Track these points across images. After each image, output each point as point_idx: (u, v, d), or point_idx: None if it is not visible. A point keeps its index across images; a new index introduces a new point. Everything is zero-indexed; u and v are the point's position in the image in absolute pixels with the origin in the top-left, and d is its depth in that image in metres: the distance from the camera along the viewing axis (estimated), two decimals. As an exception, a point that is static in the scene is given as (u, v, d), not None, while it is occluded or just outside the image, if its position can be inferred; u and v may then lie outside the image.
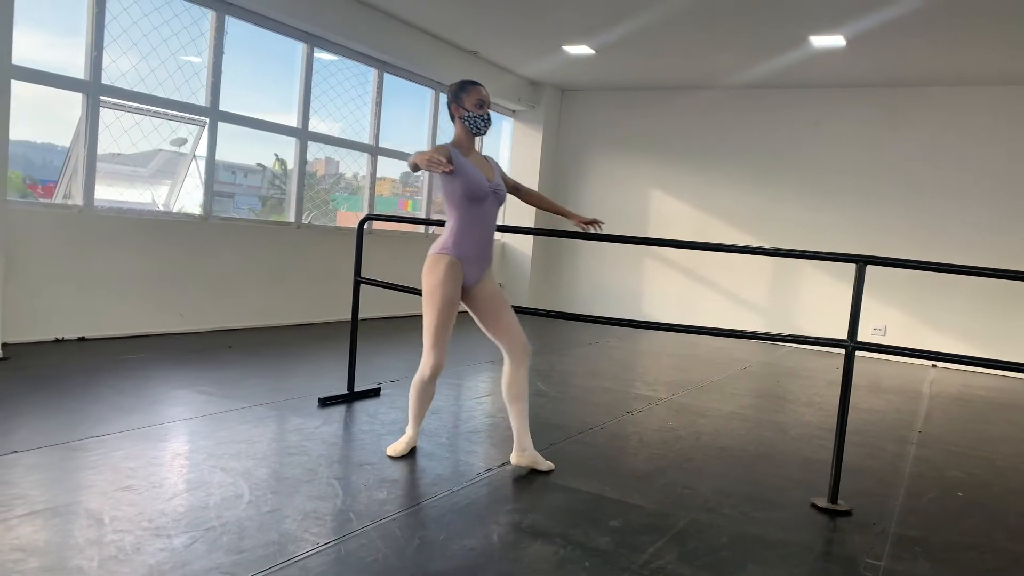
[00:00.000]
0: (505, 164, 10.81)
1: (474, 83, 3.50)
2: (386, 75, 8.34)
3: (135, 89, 5.94)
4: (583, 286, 10.73)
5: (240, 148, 7.37)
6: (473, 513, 2.99)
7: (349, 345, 4.73)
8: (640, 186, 10.37)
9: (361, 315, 4.80)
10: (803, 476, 3.90)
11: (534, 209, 10.22)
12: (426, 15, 7.73)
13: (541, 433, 4.25)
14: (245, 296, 6.89)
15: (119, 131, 5.94)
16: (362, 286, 4.71)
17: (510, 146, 10.72)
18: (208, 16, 6.44)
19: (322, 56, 7.55)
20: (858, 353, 3.41)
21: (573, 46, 8.32)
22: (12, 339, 5.24)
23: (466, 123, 3.45)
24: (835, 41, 7.24)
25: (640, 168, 10.37)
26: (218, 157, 6.74)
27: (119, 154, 6.25)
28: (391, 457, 3.56)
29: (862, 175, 9.15)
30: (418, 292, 4.69)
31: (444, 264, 3.36)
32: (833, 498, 3.43)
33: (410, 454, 3.67)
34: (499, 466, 3.61)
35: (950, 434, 5.22)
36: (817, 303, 9.31)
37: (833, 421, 5.17)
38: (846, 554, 2.95)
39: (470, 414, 4.76)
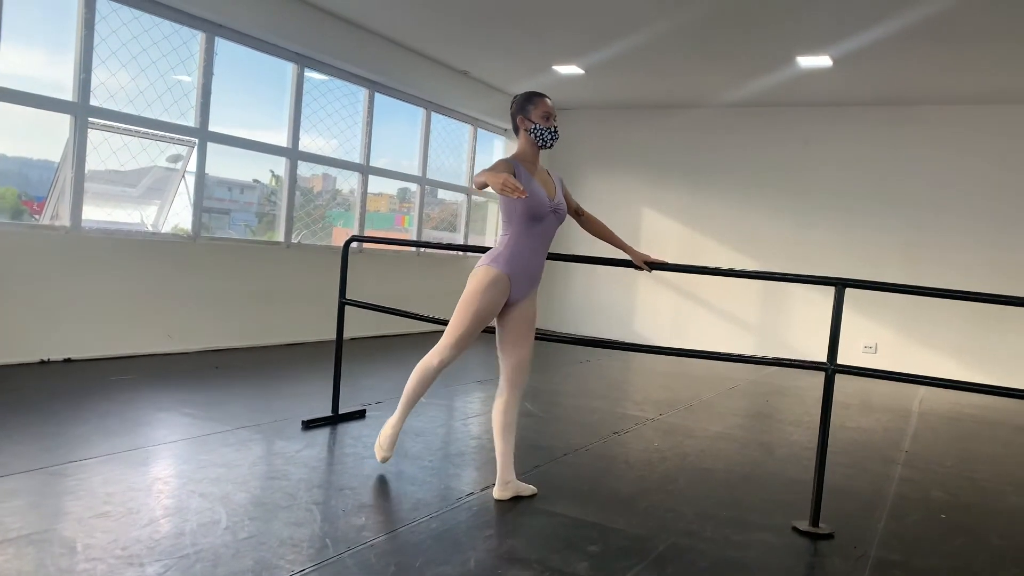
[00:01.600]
0: (497, 182, 10.83)
1: (541, 95, 3.45)
2: (377, 94, 8.37)
3: (124, 110, 5.96)
4: (576, 304, 10.74)
5: (235, 164, 7.39)
6: (452, 539, 2.98)
7: (334, 367, 4.73)
8: (631, 204, 10.41)
9: (351, 334, 4.81)
10: (787, 497, 3.89)
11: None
12: (416, 35, 7.79)
13: (526, 455, 4.25)
14: (234, 316, 6.89)
15: (107, 152, 5.96)
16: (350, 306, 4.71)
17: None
18: (198, 37, 6.47)
19: (313, 75, 7.58)
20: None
21: (563, 66, 8.38)
22: (-3, 361, 5.23)
23: (533, 136, 3.40)
24: (822, 61, 7.30)
25: (631, 187, 10.42)
26: (213, 173, 6.76)
27: (118, 171, 6.27)
28: (381, 459, 3.66)
29: (852, 193, 9.19)
30: (406, 314, 4.72)
31: (491, 277, 3.32)
32: (815, 521, 3.42)
33: (388, 480, 3.65)
34: (482, 490, 3.60)
35: (936, 454, 5.22)
36: (807, 321, 9.33)
37: (816, 441, 5.19)
38: (826, 579, 2.94)
39: (456, 436, 4.75)
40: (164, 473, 3.47)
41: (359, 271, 8.10)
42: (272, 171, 7.92)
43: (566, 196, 3.61)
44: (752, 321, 9.71)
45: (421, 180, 9.26)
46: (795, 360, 3.53)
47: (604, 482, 3.94)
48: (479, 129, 10.20)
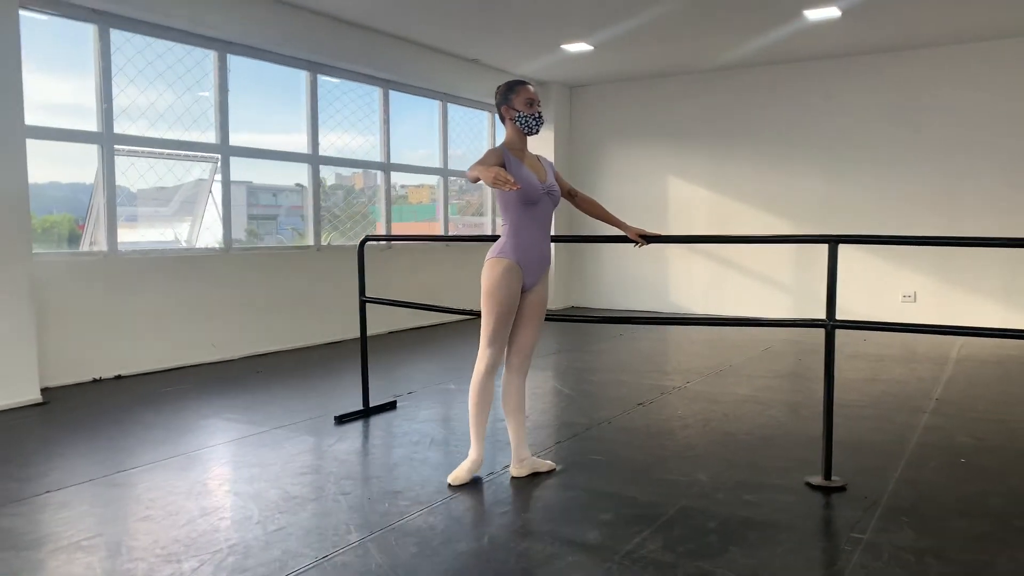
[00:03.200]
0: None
1: (522, 82, 3.53)
2: (392, 92, 8.53)
3: (147, 134, 6.22)
4: (608, 278, 10.79)
5: (278, 170, 7.63)
6: (469, 518, 3.13)
7: (361, 363, 4.91)
8: (657, 175, 10.40)
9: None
10: (806, 455, 3.94)
11: (552, 216, 10.43)
12: (423, 30, 7.90)
13: (549, 432, 4.39)
14: (273, 321, 7.14)
15: (136, 176, 6.24)
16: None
17: (523, 147, 10.82)
18: (210, 56, 6.69)
19: (326, 79, 7.77)
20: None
21: (572, 44, 8.41)
22: (52, 383, 5.55)
23: (518, 123, 3.47)
24: (829, 12, 7.20)
25: (655, 157, 10.40)
26: (258, 181, 7.00)
27: (148, 191, 6.58)
28: (451, 486, 3.47)
29: (879, 144, 9.03)
30: (425, 307, 4.88)
31: (502, 267, 3.40)
32: (827, 475, 3.49)
33: (414, 467, 3.82)
34: (502, 468, 3.74)
35: (969, 399, 5.19)
36: (844, 279, 9.21)
37: (848, 396, 5.25)
38: (831, 530, 3.01)
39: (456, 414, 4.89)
40: (202, 476, 3.69)
41: (392, 266, 8.32)
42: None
43: (558, 178, 3.69)
44: (787, 282, 9.64)
45: (443, 172, 9.41)
46: (795, 320, 3.56)
47: (622, 453, 4.05)
48: (496, 115, 10.27)
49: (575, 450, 4.08)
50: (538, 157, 3.64)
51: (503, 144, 3.52)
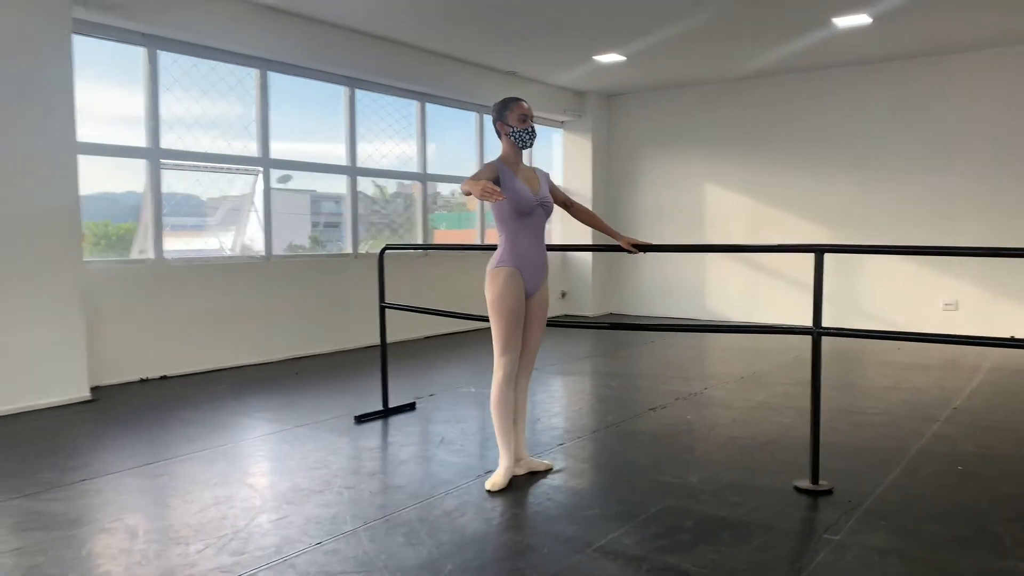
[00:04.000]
0: (557, 174, 11.10)
1: (516, 99, 3.72)
2: (429, 105, 8.80)
3: (192, 149, 6.60)
4: (645, 285, 10.86)
5: (341, 179, 7.99)
6: (460, 512, 3.32)
7: (380, 365, 5.15)
8: (693, 182, 10.44)
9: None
10: (803, 460, 3.95)
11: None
12: (459, 45, 8.14)
13: (555, 434, 4.55)
14: (312, 325, 7.46)
15: (182, 188, 6.63)
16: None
17: (561, 156, 11.01)
18: (252, 74, 7.06)
19: (365, 93, 8.08)
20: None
21: (604, 55, 8.55)
22: (102, 382, 5.95)
23: (512, 138, 3.66)
24: (859, 20, 7.19)
25: (691, 164, 10.44)
26: (321, 190, 7.37)
27: (226, 196, 7.01)
28: (490, 492, 3.53)
29: (916, 149, 8.91)
30: (441, 313, 5.10)
31: (504, 276, 3.56)
32: (814, 479, 3.57)
33: (419, 464, 4.03)
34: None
35: (988, 408, 5.15)
36: (882, 284, 9.13)
37: (863, 403, 5.28)
38: (804, 530, 3.10)
39: (490, 420, 5.07)
40: (223, 469, 3.96)
41: (427, 273, 8.57)
42: (375, 183, 8.58)
43: (554, 190, 3.85)
44: (825, 290, 9.52)
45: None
46: (781, 326, 3.65)
47: (622, 455, 4.19)
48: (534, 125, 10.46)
49: (576, 452, 4.23)
50: (534, 169, 3.81)
51: (499, 158, 3.71)
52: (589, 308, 10.84)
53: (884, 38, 7.87)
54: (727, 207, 10.19)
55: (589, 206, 10.70)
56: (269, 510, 3.34)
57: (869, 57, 8.76)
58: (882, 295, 9.15)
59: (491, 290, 3.59)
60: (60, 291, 5.39)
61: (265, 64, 7.09)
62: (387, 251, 5.23)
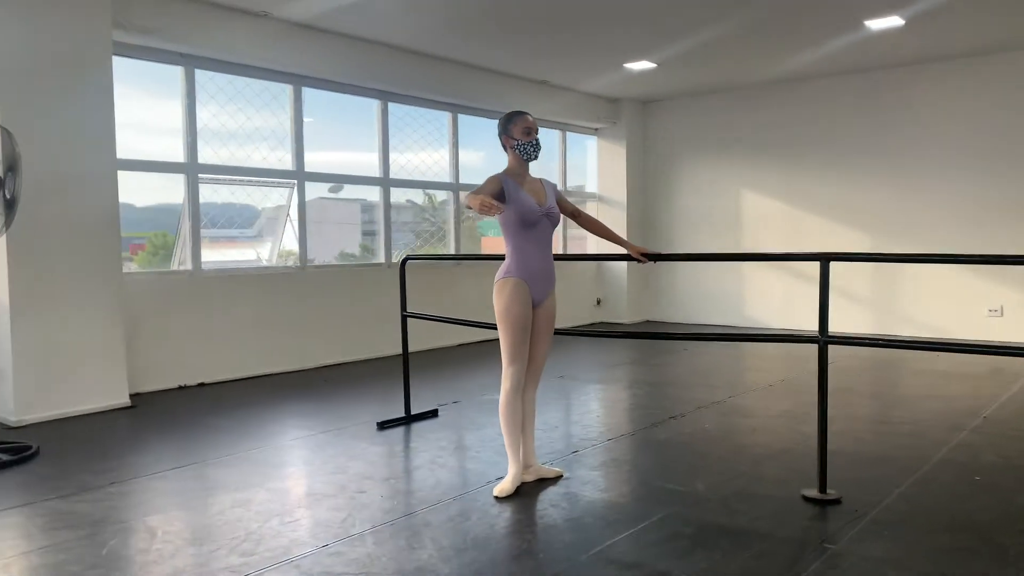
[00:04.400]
0: (592, 180, 11.14)
1: (520, 113, 3.80)
2: (461, 115, 8.93)
3: (228, 163, 6.84)
4: (683, 293, 10.80)
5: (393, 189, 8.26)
6: (463, 517, 3.39)
7: (403, 373, 5.27)
8: (730, 188, 10.36)
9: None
10: (816, 469, 3.97)
11: (625, 230, 10.58)
12: (490, 56, 8.25)
13: (570, 441, 4.60)
14: (344, 334, 7.63)
15: (220, 200, 6.86)
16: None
17: (596, 163, 11.04)
18: (287, 90, 7.28)
19: (397, 106, 8.25)
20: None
21: (635, 63, 8.58)
22: (141, 388, 6.19)
23: (517, 151, 3.73)
24: (892, 22, 7.09)
25: (727, 170, 10.37)
26: (371, 199, 7.77)
27: (282, 207, 7.30)
28: (497, 498, 3.58)
29: (957, 152, 8.72)
30: (459, 322, 5.19)
31: (510, 286, 3.63)
32: (822, 488, 3.55)
33: (432, 470, 4.11)
34: (512, 474, 3.98)
35: (1018, 418, 5.04)
36: (925, 291, 8.94)
37: (892, 412, 5.23)
38: (803, 539, 3.10)
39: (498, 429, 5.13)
40: (246, 473, 4.11)
41: (462, 281, 8.67)
42: (425, 191, 8.80)
43: (561, 201, 3.91)
44: (866, 297, 9.39)
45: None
46: (785, 334, 3.64)
47: (633, 463, 4.22)
48: (568, 132, 10.54)
49: (589, 459, 4.27)
50: (541, 181, 3.88)
51: (504, 171, 3.79)
52: (625, 316, 10.83)
53: (919, 40, 7.74)
54: (763, 213, 10.09)
55: (624, 213, 10.75)
56: (283, 513, 3.46)
57: (907, 59, 8.61)
58: (925, 301, 8.95)
59: (498, 301, 3.67)
60: (101, 301, 5.63)
61: (299, 80, 7.30)
62: (416, 260, 5.31)
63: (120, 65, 5.89)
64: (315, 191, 7.81)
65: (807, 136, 9.71)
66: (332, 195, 8.43)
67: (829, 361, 3.58)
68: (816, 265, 3.63)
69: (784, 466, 4.08)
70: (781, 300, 9.93)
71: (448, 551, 3.02)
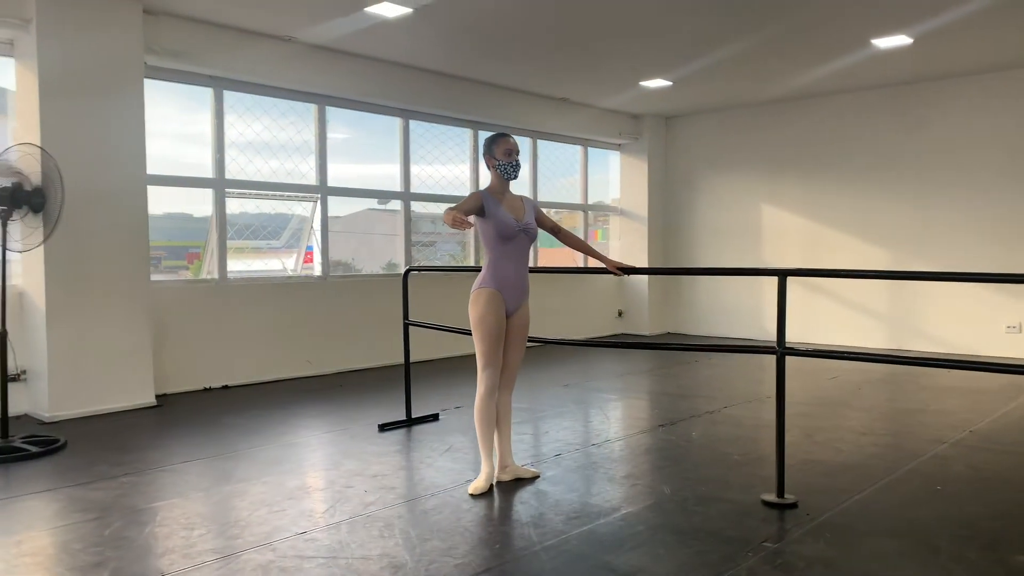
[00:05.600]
0: (614, 194, 11.33)
1: (503, 135, 4.08)
2: (482, 132, 9.23)
3: (254, 179, 7.24)
4: (703, 305, 10.91)
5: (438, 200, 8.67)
6: (436, 511, 3.64)
7: (404, 378, 5.55)
8: (750, 203, 10.46)
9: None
10: (790, 476, 4.12)
11: (646, 244, 10.78)
12: (510, 75, 8.54)
13: (555, 447, 4.81)
14: (362, 341, 7.97)
15: (246, 213, 7.26)
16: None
17: (618, 178, 11.23)
18: (311, 109, 7.67)
19: (418, 124, 8.59)
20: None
21: (650, 80, 8.78)
22: (168, 390, 6.59)
23: (498, 170, 4.00)
24: (899, 41, 7.18)
25: (748, 185, 10.48)
26: (419, 210, 8.33)
27: (306, 219, 7.72)
28: (472, 495, 3.82)
29: (976, 168, 8.72)
30: (452, 330, 5.45)
31: (485, 296, 3.88)
32: (780, 492, 3.71)
33: (419, 469, 4.38)
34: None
35: (1004, 432, 5.10)
36: (943, 306, 8.93)
37: (877, 424, 5.32)
38: (747, 538, 3.27)
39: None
40: (248, 468, 4.42)
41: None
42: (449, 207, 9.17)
43: (541, 218, 4.16)
44: (882, 312, 9.41)
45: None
46: (746, 345, 3.80)
47: (609, 466, 4.42)
48: (589, 148, 10.77)
49: (569, 463, 4.48)
50: (521, 198, 4.13)
51: (486, 188, 4.05)
52: (646, 327, 10.98)
53: (930, 57, 7.79)
54: (784, 228, 10.17)
55: (645, 227, 10.93)
56: (272, 503, 3.76)
57: (923, 75, 8.65)
58: (942, 318, 8.94)
59: (473, 310, 3.92)
60: (131, 307, 6.04)
61: (323, 99, 7.69)
62: (425, 274, 5.59)
63: (152, 83, 6.33)
64: (363, 203, 8.32)
65: (826, 152, 9.78)
66: (380, 207, 8.82)
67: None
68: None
69: (755, 473, 4.24)
70: (798, 314, 9.95)
71: (413, 540, 3.27)
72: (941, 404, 6.03)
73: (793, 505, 3.65)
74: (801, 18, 6.57)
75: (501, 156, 4.01)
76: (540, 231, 4.19)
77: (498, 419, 4.10)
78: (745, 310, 10.48)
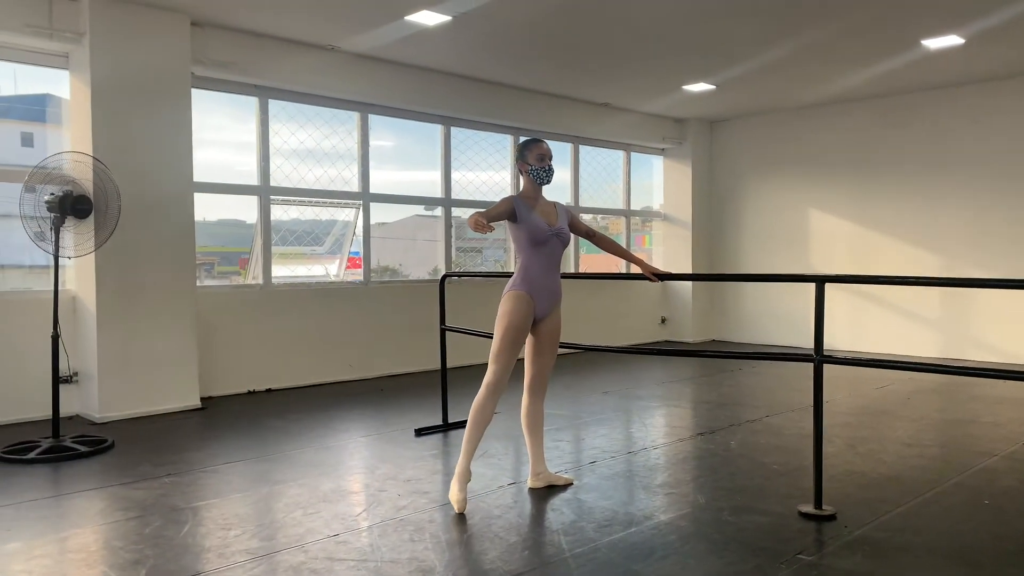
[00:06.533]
0: (658, 199, 11.24)
1: (536, 141, 4.08)
2: (522, 138, 9.24)
3: (299, 186, 7.37)
4: (749, 312, 10.75)
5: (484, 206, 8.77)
6: (467, 517, 3.65)
7: (441, 383, 5.58)
8: (797, 208, 10.28)
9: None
10: (829, 487, 4.02)
11: (690, 250, 10.68)
12: (550, 80, 8.54)
13: (591, 453, 4.79)
14: (402, 346, 8.03)
15: (290, 219, 7.40)
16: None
17: (661, 182, 11.14)
18: (354, 116, 7.78)
19: (459, 130, 8.64)
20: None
21: (693, 84, 8.70)
22: (213, 393, 6.73)
23: (531, 175, 3.99)
24: (950, 41, 7.00)
25: (794, 189, 10.30)
26: (465, 216, 8.37)
27: (349, 224, 7.88)
28: (459, 512, 3.68)
29: (1033, 170, 8.44)
30: (481, 334, 5.46)
31: (515, 298, 3.84)
32: (817, 504, 3.63)
33: (452, 474, 4.39)
34: (524, 480, 4.21)
35: (1060, 445, 4.91)
36: (998, 315, 8.64)
37: (925, 435, 5.19)
38: (781, 549, 3.20)
39: (518, 432, 5.36)
40: (285, 470, 4.49)
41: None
42: None
43: (575, 222, 4.14)
44: (935, 320, 9.15)
45: (574, 209, 9.97)
46: (784, 353, 3.73)
47: (644, 475, 4.37)
48: (632, 152, 10.71)
49: (604, 470, 4.45)
50: (554, 204, 4.10)
51: (519, 193, 4.05)
52: (690, 334, 10.85)
53: (983, 57, 7.57)
54: (832, 232, 9.97)
55: (689, 232, 10.82)
56: (307, 505, 3.81)
57: (975, 76, 8.41)
58: (999, 326, 8.66)
59: (502, 307, 3.87)
60: (178, 312, 6.19)
61: (366, 108, 7.79)
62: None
63: (199, 92, 6.50)
64: (409, 210, 8.50)
65: (875, 156, 9.56)
66: (426, 213, 8.92)
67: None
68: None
69: (793, 484, 4.15)
70: (848, 322, 9.76)
71: (443, 545, 3.29)
72: (994, 415, 5.83)
73: (831, 517, 3.57)
74: (848, 20, 6.45)
75: (534, 161, 4.01)
76: (576, 236, 4.18)
77: (531, 426, 4.10)
78: (793, 317, 10.28)
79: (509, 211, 3.90)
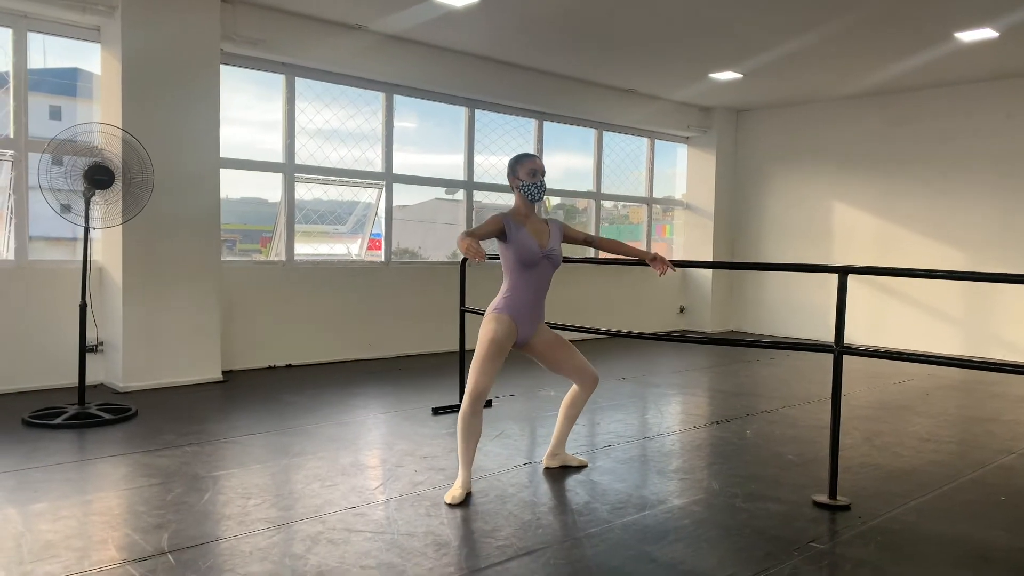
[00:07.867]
0: (680, 188, 11.20)
1: (528, 155, 3.84)
2: (547, 123, 9.24)
3: (323, 164, 7.42)
4: (769, 303, 10.70)
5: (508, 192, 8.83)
6: (480, 493, 3.70)
7: (459, 363, 5.62)
8: (821, 200, 10.21)
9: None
10: (845, 479, 4.02)
11: (711, 239, 10.64)
12: (576, 65, 8.52)
13: (606, 437, 4.82)
14: (422, 326, 8.09)
15: (313, 198, 7.45)
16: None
17: (685, 170, 11.09)
18: (379, 97, 7.80)
19: (483, 113, 8.65)
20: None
21: (720, 73, 8.63)
22: (235, 367, 6.82)
23: (522, 191, 3.78)
24: (985, 34, 6.90)
25: (819, 182, 10.22)
26: (485, 201, 8.51)
27: (371, 205, 7.93)
28: (449, 504, 3.54)
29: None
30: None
31: (495, 319, 3.69)
32: (832, 494, 3.64)
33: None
34: (539, 460, 4.24)
35: (1079, 445, 4.87)
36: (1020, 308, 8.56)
37: (951, 431, 5.20)
38: (794, 537, 3.22)
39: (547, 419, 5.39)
40: (304, 444, 4.55)
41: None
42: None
43: (571, 234, 3.98)
44: (957, 316, 9.07)
45: (595, 195, 9.95)
46: (803, 343, 3.73)
47: (659, 460, 4.40)
48: (656, 140, 10.66)
49: (618, 454, 4.48)
50: (547, 222, 3.91)
51: (510, 211, 3.84)
52: (708, 325, 10.83)
53: (1020, 52, 7.45)
54: (854, 225, 9.90)
55: (711, 221, 10.77)
56: (325, 478, 3.87)
57: (1012, 71, 8.28)
58: (1023, 324, 8.57)
59: (483, 330, 3.72)
60: (202, 286, 6.27)
61: (391, 88, 7.81)
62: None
63: (227, 69, 6.54)
64: (431, 192, 8.54)
65: (902, 150, 9.46)
66: (447, 196, 8.95)
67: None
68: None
69: (808, 474, 4.16)
70: (869, 317, 9.69)
71: (458, 520, 3.33)
72: (1015, 414, 5.79)
73: (845, 507, 3.58)
74: (878, 11, 6.37)
75: (525, 176, 3.79)
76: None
77: (567, 408, 4.05)
78: (813, 309, 10.22)
79: (498, 229, 3.71)
